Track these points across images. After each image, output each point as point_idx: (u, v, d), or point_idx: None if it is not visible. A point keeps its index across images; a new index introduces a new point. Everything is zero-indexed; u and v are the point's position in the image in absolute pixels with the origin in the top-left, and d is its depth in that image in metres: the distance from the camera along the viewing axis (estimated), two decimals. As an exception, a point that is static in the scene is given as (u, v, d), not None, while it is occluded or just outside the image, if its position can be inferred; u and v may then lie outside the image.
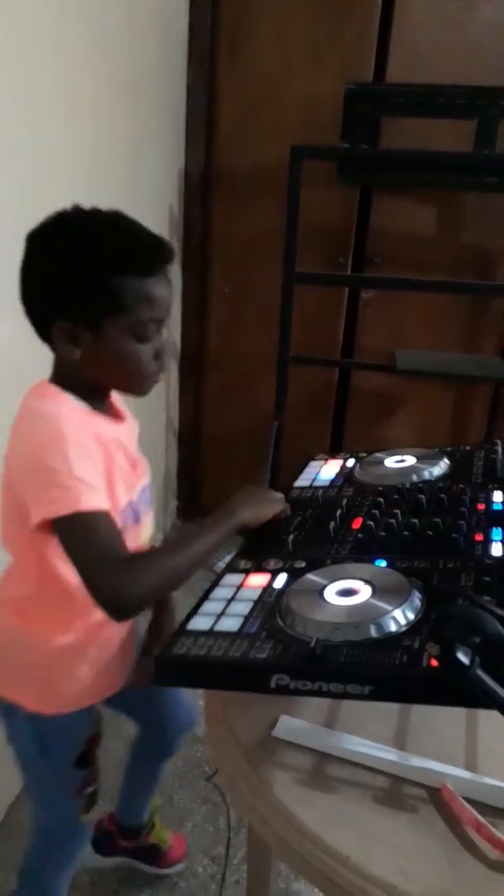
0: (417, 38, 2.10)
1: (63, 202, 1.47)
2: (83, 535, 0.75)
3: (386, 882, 0.57)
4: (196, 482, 2.79)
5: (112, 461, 0.85)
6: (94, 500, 0.75)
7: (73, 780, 1.00)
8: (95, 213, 0.86)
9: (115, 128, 1.73)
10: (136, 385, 0.88)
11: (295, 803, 0.63)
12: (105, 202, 1.72)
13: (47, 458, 0.76)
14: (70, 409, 0.83)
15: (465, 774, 0.64)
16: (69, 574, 0.83)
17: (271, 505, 0.87)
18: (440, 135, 2.07)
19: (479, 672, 0.47)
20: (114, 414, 0.93)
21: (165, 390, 2.51)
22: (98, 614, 0.79)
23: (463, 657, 0.48)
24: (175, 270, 2.42)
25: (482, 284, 2.26)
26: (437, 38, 2.09)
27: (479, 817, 0.60)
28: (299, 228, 1.96)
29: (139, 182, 1.97)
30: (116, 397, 0.96)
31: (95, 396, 0.88)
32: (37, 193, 1.35)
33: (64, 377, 0.86)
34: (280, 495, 0.89)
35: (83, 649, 0.93)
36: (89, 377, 0.86)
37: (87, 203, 1.52)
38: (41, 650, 0.92)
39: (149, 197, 2.08)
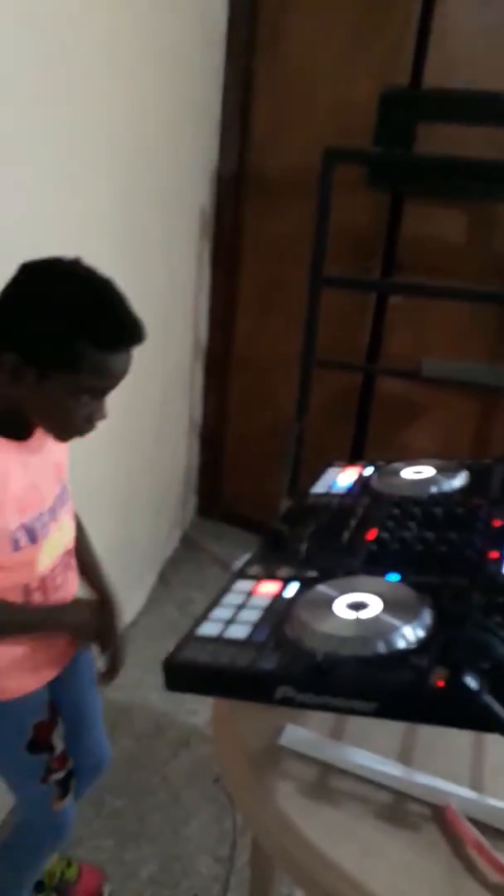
0: (455, 43, 2.08)
1: (99, 204, 1.50)
2: None
3: (387, 901, 0.56)
4: (217, 481, 2.80)
5: (4, 489, 0.89)
6: None
7: (32, 766, 1.04)
8: (86, 274, 0.87)
9: (151, 127, 1.74)
10: (58, 434, 0.93)
11: (298, 814, 0.63)
12: (140, 201, 1.75)
13: None
14: None
15: (470, 794, 0.63)
16: None
17: (105, 635, 0.99)
18: (476, 142, 2.05)
19: (487, 698, 0.47)
20: (35, 435, 0.95)
21: (190, 389, 2.52)
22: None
23: (471, 682, 0.48)
24: (204, 270, 2.43)
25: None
26: (475, 44, 2.06)
27: (482, 839, 0.59)
28: (329, 232, 1.95)
29: (173, 181, 1.98)
30: None
31: (18, 423, 0.92)
32: (75, 195, 1.37)
33: None
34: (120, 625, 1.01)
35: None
36: (20, 409, 0.90)
37: (121, 202, 1.53)
38: None
39: (182, 196, 2.10)
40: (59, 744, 1.05)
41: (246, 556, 0.82)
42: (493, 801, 0.62)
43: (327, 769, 0.67)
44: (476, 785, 0.64)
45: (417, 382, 2.17)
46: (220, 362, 2.62)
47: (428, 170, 2.09)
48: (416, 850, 0.60)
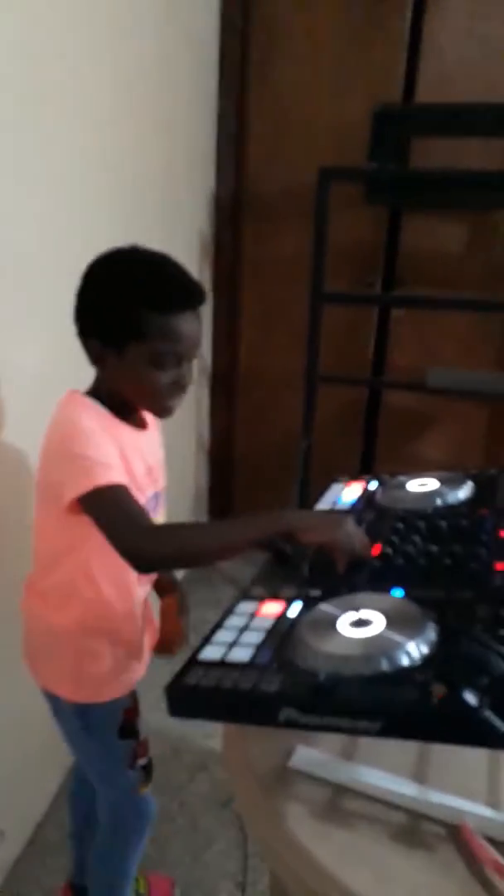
0: (446, 57, 2.10)
1: (101, 233, 1.52)
2: (108, 505, 0.85)
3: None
4: (227, 499, 2.80)
5: (127, 462, 0.94)
6: (112, 475, 0.86)
7: (122, 751, 1.09)
8: (141, 252, 0.95)
9: (148, 155, 1.77)
10: (151, 407, 0.98)
11: (309, 838, 0.61)
12: (138, 227, 1.77)
13: (70, 448, 0.88)
14: (90, 411, 0.93)
15: (486, 812, 0.62)
16: (92, 559, 0.96)
17: (334, 531, 0.77)
18: (470, 153, 2.06)
19: (488, 713, 0.46)
20: (139, 423, 1.02)
21: (196, 409, 2.53)
22: (113, 599, 0.98)
23: (470, 698, 0.47)
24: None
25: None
26: (466, 56, 2.08)
27: (499, 858, 0.58)
28: (329, 249, 1.96)
29: (171, 207, 2.01)
30: None
31: (122, 408, 0.98)
32: (77, 225, 1.39)
33: (97, 388, 0.98)
34: (359, 532, 0.78)
35: (103, 634, 1.02)
36: (114, 391, 0.96)
37: (121, 229, 1.56)
38: (66, 638, 1.01)
39: (180, 221, 2.12)
40: (142, 730, 1.12)
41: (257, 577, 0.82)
42: (508, 819, 0.61)
43: (339, 790, 0.65)
44: (491, 801, 0.63)
45: (424, 393, 2.16)
46: (226, 381, 2.63)
47: (423, 183, 2.10)
48: (432, 871, 0.59)
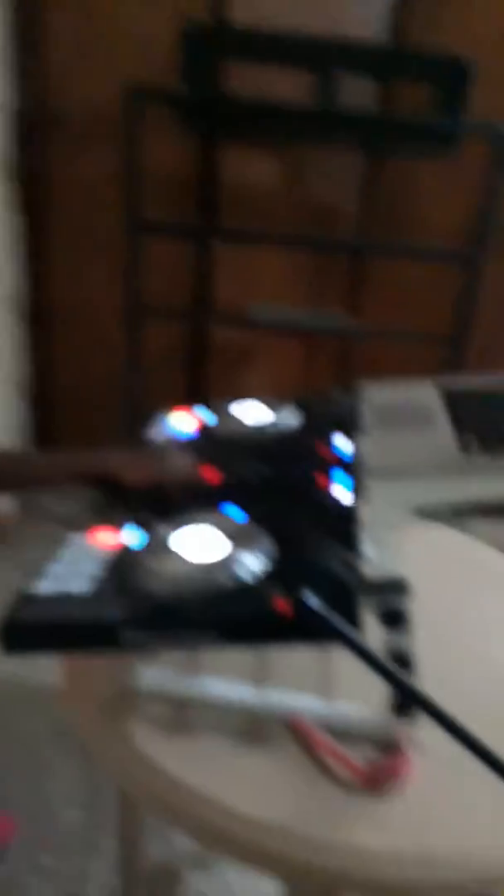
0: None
1: None
2: None
3: (250, 816, 0.59)
4: (51, 438, 2.68)
5: None
6: None
7: None
8: None
9: None
10: None
11: (156, 751, 0.63)
12: None
13: None
14: None
15: (320, 704, 0.67)
16: None
17: (156, 464, 0.76)
18: (286, 85, 2.05)
19: (327, 613, 0.50)
20: None
21: (9, 348, 2.37)
22: None
23: (310, 600, 0.50)
24: (9, 216, 2.25)
25: (330, 240, 2.31)
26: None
27: (333, 744, 0.64)
28: (146, 176, 1.88)
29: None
30: None
31: None
32: None
33: None
34: (183, 457, 0.77)
35: None
36: None
37: None
38: None
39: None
40: None
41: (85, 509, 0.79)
42: (339, 707, 0.67)
43: (182, 704, 0.68)
44: (325, 695, 0.68)
45: (246, 329, 2.20)
46: (41, 315, 2.47)
47: (234, 111, 2.07)
48: (276, 764, 0.63)
